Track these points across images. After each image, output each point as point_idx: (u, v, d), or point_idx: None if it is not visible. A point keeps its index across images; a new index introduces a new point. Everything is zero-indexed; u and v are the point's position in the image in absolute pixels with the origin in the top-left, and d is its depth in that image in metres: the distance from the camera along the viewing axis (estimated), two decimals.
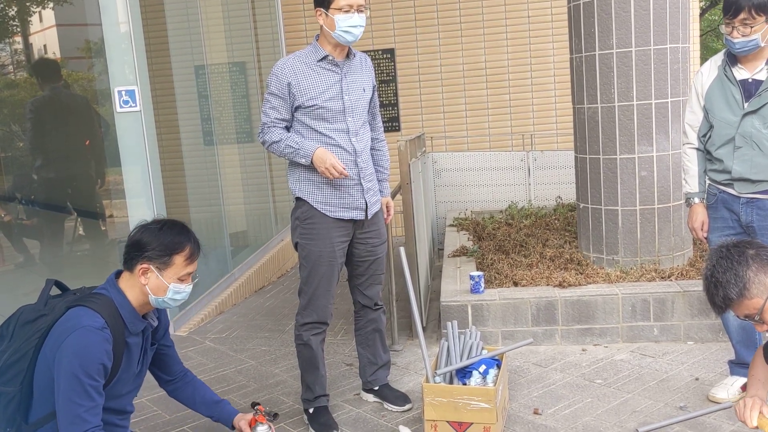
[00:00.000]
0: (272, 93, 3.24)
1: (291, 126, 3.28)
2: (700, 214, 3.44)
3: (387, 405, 3.56)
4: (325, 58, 3.22)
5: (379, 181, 3.53)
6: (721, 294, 2.12)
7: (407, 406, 3.53)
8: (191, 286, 2.47)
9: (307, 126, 3.23)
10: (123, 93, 4.69)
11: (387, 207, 3.58)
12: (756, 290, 2.08)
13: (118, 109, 4.70)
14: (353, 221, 3.34)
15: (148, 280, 2.38)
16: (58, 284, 2.51)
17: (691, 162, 3.45)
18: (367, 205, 3.34)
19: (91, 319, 2.27)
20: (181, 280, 2.41)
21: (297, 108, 3.22)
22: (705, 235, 3.44)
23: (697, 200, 3.45)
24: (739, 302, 2.10)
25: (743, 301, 2.10)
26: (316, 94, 3.19)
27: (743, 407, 2.23)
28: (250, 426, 2.75)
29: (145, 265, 2.37)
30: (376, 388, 3.63)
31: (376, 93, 3.46)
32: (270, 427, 2.76)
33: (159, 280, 2.38)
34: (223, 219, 6.30)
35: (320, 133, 3.22)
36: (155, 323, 2.57)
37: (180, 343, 4.72)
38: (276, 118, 3.24)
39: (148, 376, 2.79)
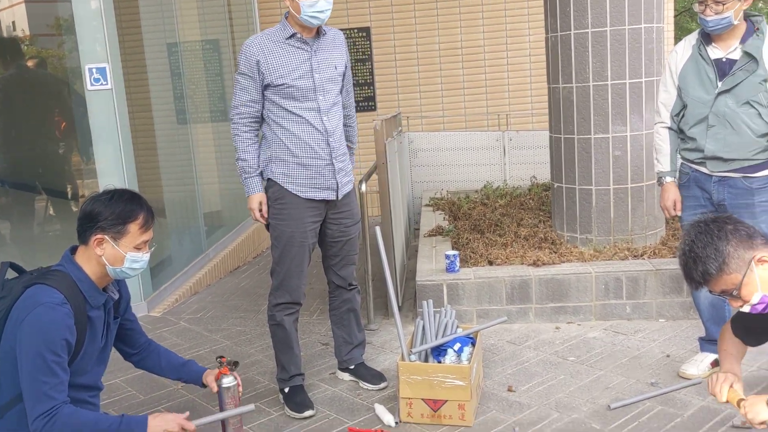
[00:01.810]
0: (242, 73, 3.21)
1: (263, 107, 3.24)
2: (672, 193, 3.46)
3: (362, 384, 3.57)
4: (293, 35, 3.19)
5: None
6: (700, 269, 2.12)
7: (382, 385, 3.54)
8: (149, 255, 2.45)
9: (278, 105, 3.20)
10: (94, 70, 4.62)
11: None
12: (735, 265, 2.09)
13: (89, 87, 4.62)
14: (325, 202, 3.33)
15: (103, 250, 2.35)
16: (14, 266, 2.47)
17: (663, 141, 3.48)
18: (338, 185, 3.32)
19: (50, 296, 2.24)
20: (137, 248, 2.39)
21: (266, 86, 3.19)
22: (677, 213, 3.47)
23: (669, 179, 3.47)
24: (717, 277, 2.11)
25: (722, 277, 2.10)
26: (285, 72, 3.15)
27: (714, 381, 2.25)
28: (216, 380, 2.76)
29: (99, 236, 2.34)
30: (352, 367, 3.64)
31: (349, 70, 3.42)
32: (235, 377, 2.76)
33: (115, 250, 2.36)
34: (198, 199, 6.24)
35: (290, 112, 3.19)
36: (116, 296, 2.55)
37: (154, 324, 4.70)
38: (247, 101, 3.21)
39: (116, 355, 2.77)
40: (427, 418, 3.14)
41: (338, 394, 3.52)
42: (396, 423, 3.16)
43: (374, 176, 4.55)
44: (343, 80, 3.36)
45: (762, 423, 2.08)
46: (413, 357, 3.24)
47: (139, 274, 4.46)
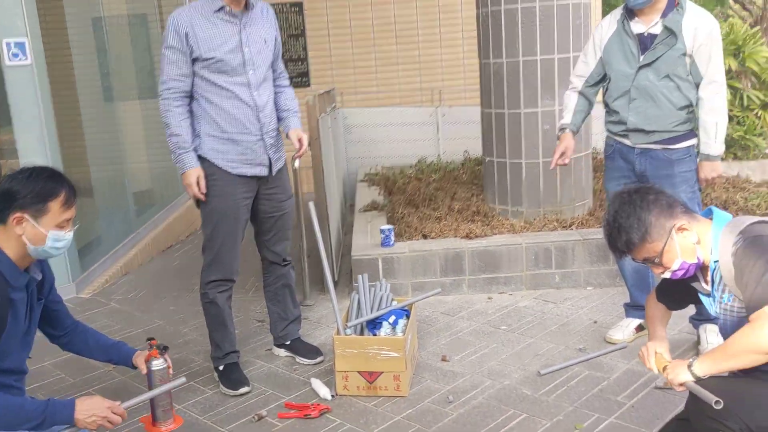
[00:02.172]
0: (170, 46, 3.11)
1: (192, 82, 3.16)
2: (566, 142, 3.56)
3: (299, 359, 3.58)
4: (222, 8, 3.12)
5: (288, 118, 3.41)
6: (623, 239, 2.19)
7: (319, 359, 3.56)
8: (72, 233, 2.39)
9: (207, 80, 3.13)
10: (12, 45, 4.43)
11: (299, 140, 3.37)
12: (657, 234, 2.16)
13: (7, 63, 4.45)
14: (257, 177, 3.29)
15: (24, 230, 2.28)
16: None
17: (570, 100, 3.60)
18: (270, 161, 3.29)
19: None
20: (60, 227, 2.33)
21: (195, 60, 3.11)
22: (564, 162, 3.55)
23: (567, 131, 3.58)
24: (640, 246, 2.18)
25: (645, 245, 2.18)
26: (214, 46, 3.09)
27: (645, 355, 2.33)
28: (146, 361, 2.71)
29: (18, 215, 2.27)
30: (288, 342, 3.64)
31: (279, 43, 3.37)
32: (165, 360, 2.72)
33: (36, 229, 2.29)
34: (126, 178, 6.09)
35: (220, 87, 3.13)
36: (39, 277, 2.48)
37: (83, 306, 4.58)
38: (177, 75, 3.11)
39: (43, 338, 2.69)
40: (363, 390, 3.17)
41: (274, 370, 3.52)
42: (332, 396, 3.18)
43: (307, 152, 4.52)
44: (273, 54, 3.32)
45: (681, 385, 2.16)
46: (348, 330, 3.26)
47: (65, 255, 4.36)
